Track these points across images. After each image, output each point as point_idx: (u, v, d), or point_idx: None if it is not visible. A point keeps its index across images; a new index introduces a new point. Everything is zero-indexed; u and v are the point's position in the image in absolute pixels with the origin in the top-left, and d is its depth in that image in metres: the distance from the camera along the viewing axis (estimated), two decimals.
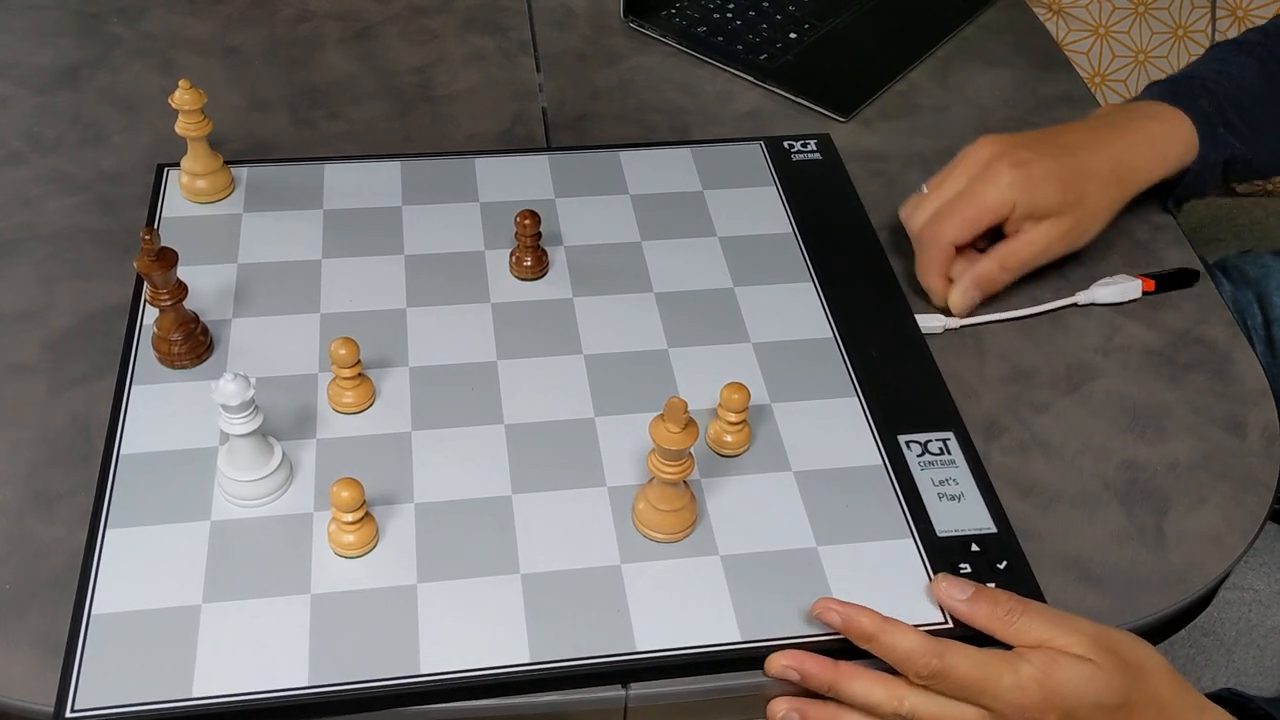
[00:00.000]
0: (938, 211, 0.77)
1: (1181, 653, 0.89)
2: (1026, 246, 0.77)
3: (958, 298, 0.77)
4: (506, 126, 0.92)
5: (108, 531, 0.62)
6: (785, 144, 0.90)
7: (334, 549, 0.62)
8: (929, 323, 0.77)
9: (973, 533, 0.65)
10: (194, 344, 0.71)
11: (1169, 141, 0.82)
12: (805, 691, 0.59)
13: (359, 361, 0.67)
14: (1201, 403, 0.74)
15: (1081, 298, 0.79)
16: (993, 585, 0.61)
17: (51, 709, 0.55)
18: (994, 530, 0.65)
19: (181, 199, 0.82)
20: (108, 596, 0.60)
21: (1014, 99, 0.98)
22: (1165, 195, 0.87)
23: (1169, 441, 0.71)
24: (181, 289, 0.69)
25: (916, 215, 0.79)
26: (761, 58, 0.99)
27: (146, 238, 0.66)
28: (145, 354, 0.71)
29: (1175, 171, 0.83)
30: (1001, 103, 0.97)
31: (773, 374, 0.73)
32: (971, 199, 0.76)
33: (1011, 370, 0.75)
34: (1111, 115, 0.83)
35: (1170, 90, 0.84)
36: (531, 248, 0.77)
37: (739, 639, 0.59)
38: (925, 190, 0.79)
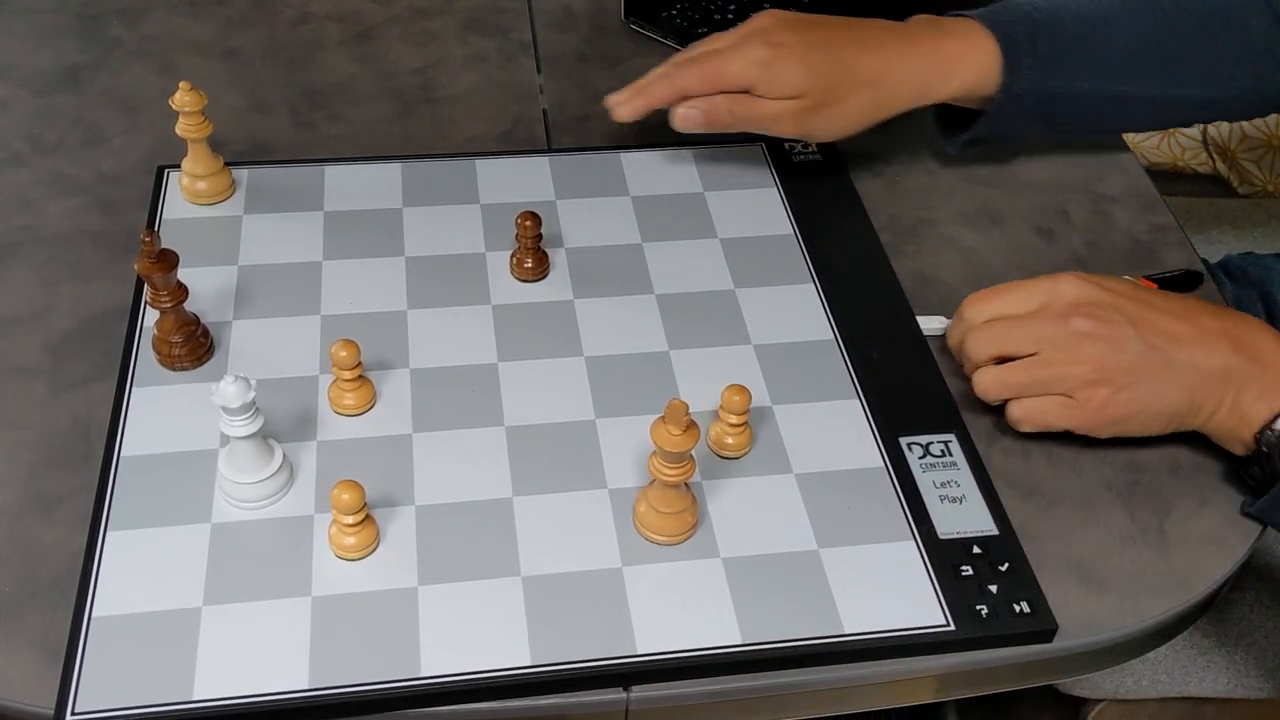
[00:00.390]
0: (693, 59, 0.82)
1: (1182, 654, 0.89)
2: (758, 107, 0.81)
3: (681, 112, 0.81)
4: (507, 128, 0.92)
5: (108, 534, 0.62)
6: (786, 145, 0.90)
7: (335, 551, 0.62)
8: (930, 324, 0.77)
9: (974, 535, 0.65)
10: (194, 346, 0.71)
11: (960, 62, 0.80)
12: None
13: (360, 363, 0.67)
14: None
15: None
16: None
17: (52, 712, 0.55)
18: (996, 532, 0.65)
19: (182, 201, 0.82)
20: (108, 599, 0.59)
21: None
22: (965, 128, 0.85)
23: (1171, 443, 0.71)
24: (182, 291, 0.69)
25: (688, 52, 0.83)
26: None
27: (147, 239, 0.66)
28: (146, 356, 0.71)
29: (964, 95, 0.82)
30: None
31: (774, 376, 0.73)
32: (718, 63, 0.80)
33: None
34: (919, 24, 0.83)
35: (991, 12, 0.82)
36: (532, 249, 0.77)
37: (740, 641, 0.59)
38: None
